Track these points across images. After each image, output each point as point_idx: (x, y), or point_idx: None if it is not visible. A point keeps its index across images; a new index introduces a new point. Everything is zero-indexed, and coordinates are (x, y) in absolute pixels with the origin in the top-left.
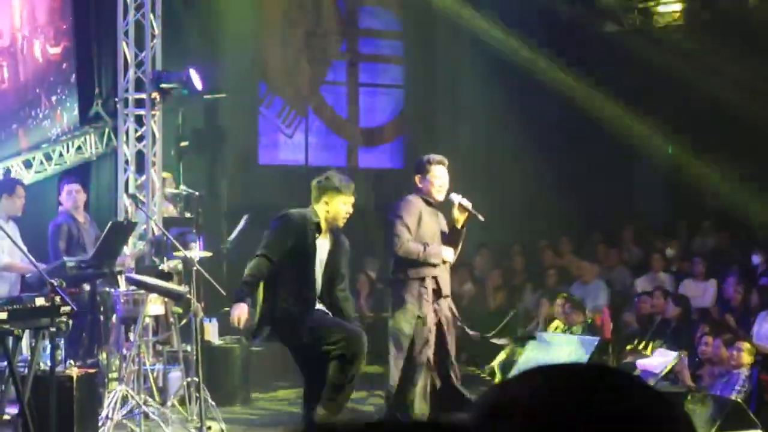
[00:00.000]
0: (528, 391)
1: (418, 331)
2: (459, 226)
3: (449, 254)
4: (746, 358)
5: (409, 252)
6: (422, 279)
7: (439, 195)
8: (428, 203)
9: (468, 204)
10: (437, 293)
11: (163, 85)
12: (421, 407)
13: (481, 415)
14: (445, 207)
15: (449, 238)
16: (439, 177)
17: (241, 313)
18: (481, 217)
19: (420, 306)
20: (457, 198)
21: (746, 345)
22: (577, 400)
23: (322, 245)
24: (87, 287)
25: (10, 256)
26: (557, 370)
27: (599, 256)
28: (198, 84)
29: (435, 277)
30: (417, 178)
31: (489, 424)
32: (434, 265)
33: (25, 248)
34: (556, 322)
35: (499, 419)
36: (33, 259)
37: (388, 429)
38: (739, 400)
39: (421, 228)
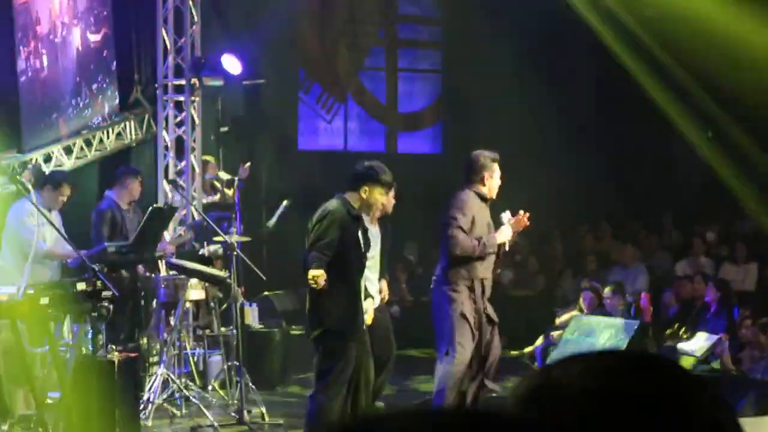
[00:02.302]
0: (571, 377)
1: (465, 330)
2: (503, 241)
3: (502, 236)
4: None
5: (466, 250)
6: (473, 281)
7: (494, 193)
8: (482, 199)
9: (517, 228)
10: (483, 295)
11: (207, 83)
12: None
13: (523, 400)
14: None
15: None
16: (498, 174)
17: (321, 275)
18: (506, 249)
19: (472, 307)
20: (507, 219)
21: None
22: (618, 386)
23: (375, 235)
24: (127, 272)
25: (52, 243)
26: (598, 356)
27: (639, 240)
28: (235, 69)
29: (483, 279)
30: (484, 177)
31: (532, 409)
32: (484, 263)
33: (65, 236)
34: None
35: (542, 404)
36: (74, 246)
37: (431, 419)
38: None
39: (475, 226)
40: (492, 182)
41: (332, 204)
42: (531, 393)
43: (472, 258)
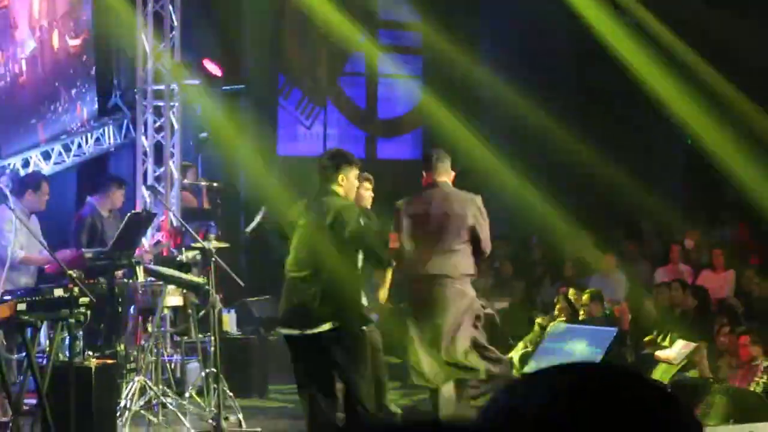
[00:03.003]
0: (537, 396)
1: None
2: None
3: None
4: (757, 350)
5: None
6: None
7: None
8: None
9: None
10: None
11: (184, 82)
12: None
13: (490, 417)
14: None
15: None
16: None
17: None
18: None
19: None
20: None
21: (751, 337)
22: (586, 407)
23: None
24: (105, 278)
25: (28, 250)
26: (569, 372)
27: (619, 247)
28: (215, 72)
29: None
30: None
31: (499, 427)
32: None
33: (44, 242)
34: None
35: (508, 423)
36: (51, 252)
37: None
38: (758, 391)
39: None
40: (348, 184)
41: (338, 200)
42: (498, 411)
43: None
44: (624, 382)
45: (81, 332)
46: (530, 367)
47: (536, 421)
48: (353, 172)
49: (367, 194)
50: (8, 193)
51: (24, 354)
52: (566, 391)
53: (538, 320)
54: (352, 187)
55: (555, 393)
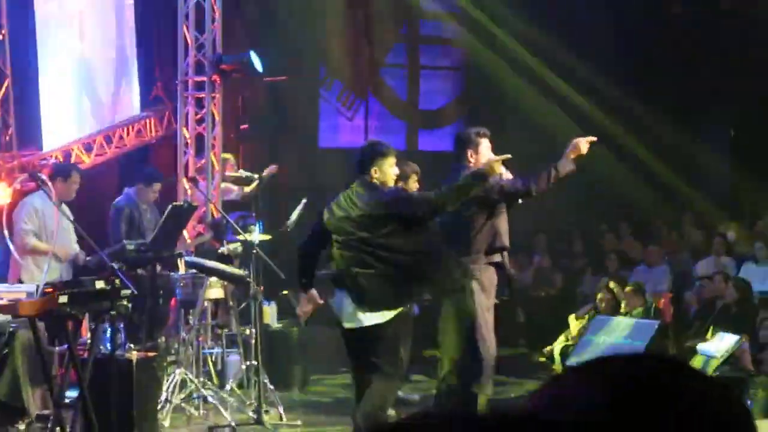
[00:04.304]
0: (584, 386)
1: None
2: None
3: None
4: None
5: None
6: (496, 253)
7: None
8: None
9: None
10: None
11: (223, 66)
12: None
13: (538, 408)
14: None
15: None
16: (489, 150)
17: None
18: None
19: (492, 292)
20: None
21: None
22: (631, 396)
23: None
24: (146, 271)
25: (50, 241)
26: (613, 363)
27: (660, 239)
28: (258, 66)
29: (506, 248)
30: (468, 153)
31: (543, 417)
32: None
33: (83, 232)
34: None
35: (553, 413)
36: (93, 243)
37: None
38: None
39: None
40: (479, 157)
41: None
42: (542, 403)
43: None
44: (670, 372)
45: (122, 325)
46: (571, 360)
47: (581, 410)
48: (387, 162)
49: (415, 187)
50: (47, 180)
51: (65, 346)
52: (611, 380)
53: (572, 318)
54: (387, 177)
55: (600, 382)
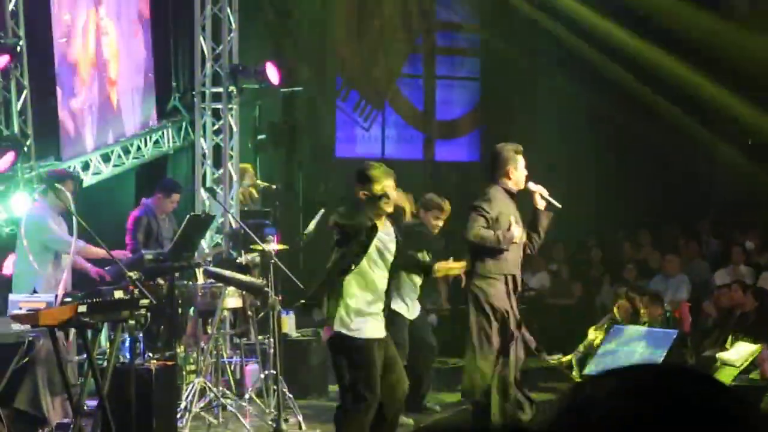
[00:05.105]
0: (601, 397)
1: (502, 327)
2: (542, 207)
3: (518, 231)
4: None
5: (482, 238)
6: (503, 276)
7: (521, 185)
8: (511, 195)
9: (545, 192)
10: (514, 290)
11: (244, 85)
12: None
13: (556, 419)
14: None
15: (534, 223)
16: (523, 166)
17: None
18: (557, 204)
19: (504, 302)
20: (534, 187)
21: None
22: (652, 406)
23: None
24: (164, 280)
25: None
26: (630, 373)
27: (678, 248)
28: (274, 78)
29: (513, 276)
30: (509, 170)
31: (565, 426)
32: (510, 259)
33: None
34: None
35: (571, 424)
36: (110, 253)
37: None
38: None
39: (500, 222)
40: (517, 174)
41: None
42: (563, 412)
43: (499, 251)
44: (690, 382)
45: (141, 334)
46: (589, 369)
47: (602, 421)
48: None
49: (437, 223)
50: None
51: (85, 356)
52: (632, 391)
53: (592, 330)
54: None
55: (621, 393)
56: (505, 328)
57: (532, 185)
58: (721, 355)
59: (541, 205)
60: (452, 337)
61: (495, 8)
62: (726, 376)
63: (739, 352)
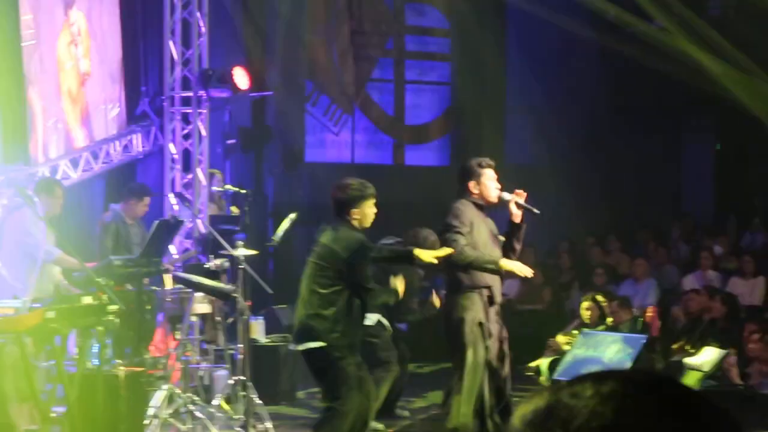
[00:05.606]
0: (581, 404)
1: (478, 338)
2: (518, 221)
3: (507, 262)
4: None
5: (467, 258)
6: (480, 288)
7: (494, 197)
8: (479, 207)
9: (521, 200)
10: (491, 302)
11: (213, 92)
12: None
13: (531, 425)
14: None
15: (510, 235)
16: (492, 179)
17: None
18: (536, 211)
19: (480, 314)
20: (508, 196)
21: None
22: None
23: None
24: (133, 286)
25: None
26: (608, 380)
27: (647, 253)
28: (244, 83)
29: (490, 287)
30: (471, 184)
31: None
32: (494, 271)
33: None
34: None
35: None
36: (80, 260)
37: None
38: None
39: (474, 235)
40: (482, 188)
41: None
42: (539, 418)
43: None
44: (664, 389)
45: (109, 340)
46: (559, 374)
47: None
48: (367, 204)
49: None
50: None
51: (53, 362)
52: (608, 398)
53: (560, 335)
54: (369, 215)
55: (606, 400)
56: (480, 341)
57: (506, 195)
58: (690, 360)
59: (516, 214)
60: (422, 343)
61: (465, 12)
62: (694, 381)
63: (707, 358)
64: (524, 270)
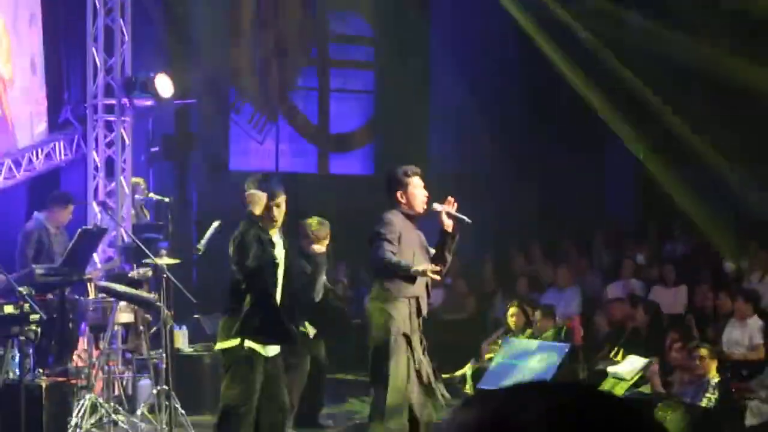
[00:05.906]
0: (528, 417)
1: (402, 349)
2: (450, 230)
3: (423, 265)
4: (709, 365)
5: (393, 266)
6: (407, 299)
7: (422, 207)
8: (409, 218)
9: (452, 209)
10: (417, 313)
11: (136, 100)
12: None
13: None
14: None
15: (441, 246)
16: (420, 188)
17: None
18: (467, 220)
19: (405, 325)
20: (439, 207)
21: (704, 351)
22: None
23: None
24: (55, 295)
25: None
26: (549, 393)
27: (570, 262)
28: (167, 91)
29: (417, 298)
30: (398, 194)
31: None
32: (407, 276)
33: None
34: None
35: None
36: (0, 269)
37: None
38: (708, 406)
39: (402, 246)
40: (409, 197)
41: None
42: (484, 427)
43: (403, 276)
44: (589, 398)
45: (31, 350)
46: (484, 383)
47: None
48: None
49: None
50: None
51: None
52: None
53: (484, 343)
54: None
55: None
56: (403, 351)
57: (437, 206)
58: (613, 369)
59: (448, 225)
60: (345, 352)
61: (389, 20)
62: (617, 389)
63: (630, 366)
64: (433, 269)
